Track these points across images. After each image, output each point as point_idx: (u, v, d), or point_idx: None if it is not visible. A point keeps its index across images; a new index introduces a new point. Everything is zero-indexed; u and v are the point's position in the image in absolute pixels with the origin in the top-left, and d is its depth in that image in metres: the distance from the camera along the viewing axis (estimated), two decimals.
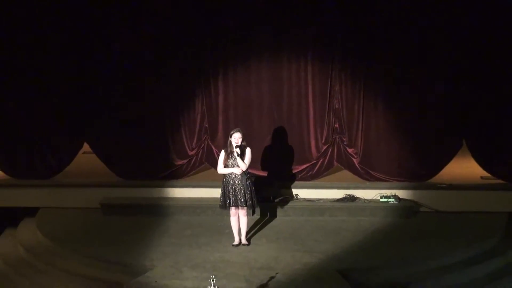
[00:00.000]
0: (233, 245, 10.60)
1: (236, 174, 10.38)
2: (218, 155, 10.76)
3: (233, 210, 10.51)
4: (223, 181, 10.50)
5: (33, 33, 12.43)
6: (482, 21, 11.69)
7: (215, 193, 10.98)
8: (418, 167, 12.27)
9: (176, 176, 12.74)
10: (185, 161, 12.72)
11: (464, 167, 12.50)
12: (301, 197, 12.15)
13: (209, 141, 12.61)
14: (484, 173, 12.28)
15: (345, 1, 11.94)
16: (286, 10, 12.04)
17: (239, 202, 10.41)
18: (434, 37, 11.84)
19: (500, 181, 12.12)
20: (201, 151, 12.70)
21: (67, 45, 12.41)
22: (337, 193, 12.12)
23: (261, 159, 12.22)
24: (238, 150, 10.36)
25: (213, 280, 8.79)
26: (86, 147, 13.13)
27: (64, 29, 12.38)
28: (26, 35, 12.40)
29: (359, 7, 11.92)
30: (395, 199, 11.87)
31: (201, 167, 12.83)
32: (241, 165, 10.37)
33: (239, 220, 10.59)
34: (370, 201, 11.98)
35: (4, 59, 12.56)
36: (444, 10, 11.74)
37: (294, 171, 12.48)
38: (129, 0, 12.27)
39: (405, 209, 11.80)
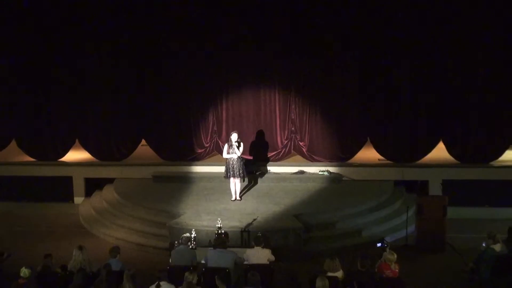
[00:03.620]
0: (231, 200, 10.63)
1: (234, 158, 10.41)
2: (223, 147, 10.78)
3: (232, 179, 10.54)
4: (226, 162, 10.52)
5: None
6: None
7: (221, 169, 10.93)
8: (341, 153, 12.16)
9: (197, 159, 12.58)
10: (202, 150, 12.58)
11: (368, 153, 12.49)
12: (272, 171, 12.08)
13: (217, 138, 12.48)
14: (380, 156, 12.23)
15: (297, 55, 11.86)
16: (263, 61, 12.00)
17: (235, 174, 10.45)
18: (346, 74, 11.81)
19: (389, 161, 12.10)
20: (212, 144, 12.56)
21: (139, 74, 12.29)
22: (293, 169, 12.04)
23: (249, 149, 12.09)
24: (236, 143, 10.42)
25: (219, 221, 8.92)
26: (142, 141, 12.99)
27: (134, 59, 12.20)
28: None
29: (305, 59, 11.87)
30: (328, 172, 11.83)
31: (212, 153, 12.69)
32: (237, 153, 10.40)
33: (235, 185, 10.62)
34: (313, 173, 11.91)
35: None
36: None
37: (268, 156, 12.36)
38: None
39: (334, 178, 11.77)
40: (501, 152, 11.76)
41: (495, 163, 11.75)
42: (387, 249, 7.87)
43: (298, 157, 12.56)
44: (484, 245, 8.30)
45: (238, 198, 10.67)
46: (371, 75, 11.72)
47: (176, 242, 8.60)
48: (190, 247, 8.36)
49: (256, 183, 11.67)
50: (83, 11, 12.05)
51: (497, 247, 8.14)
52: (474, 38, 11.25)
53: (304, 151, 12.33)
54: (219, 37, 11.94)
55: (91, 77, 12.35)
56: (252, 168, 11.83)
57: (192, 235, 8.59)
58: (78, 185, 12.39)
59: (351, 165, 12.12)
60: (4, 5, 12.14)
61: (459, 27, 11.29)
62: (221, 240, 8.23)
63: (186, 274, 6.91)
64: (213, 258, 7.85)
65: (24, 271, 7.27)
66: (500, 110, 11.47)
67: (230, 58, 12.02)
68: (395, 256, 7.62)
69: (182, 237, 8.52)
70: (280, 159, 12.44)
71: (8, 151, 12.93)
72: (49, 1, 12.13)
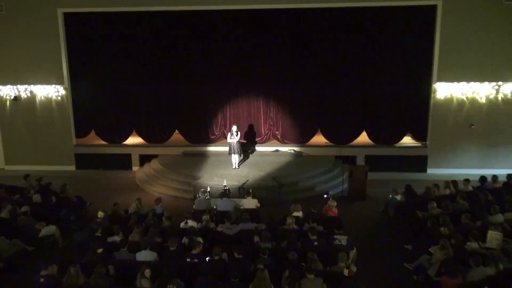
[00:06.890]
0: (232, 168, 10.50)
1: (234, 141, 10.28)
2: (227, 134, 10.63)
3: (232, 155, 10.41)
4: (229, 144, 10.38)
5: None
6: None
7: (225, 149, 10.73)
8: (301, 138, 12.03)
9: (211, 142, 12.33)
10: (214, 136, 12.37)
11: (318, 138, 12.36)
12: (258, 150, 11.93)
13: (223, 129, 12.27)
14: (326, 140, 12.08)
15: (273, 84, 11.69)
16: (252, 85, 11.81)
17: (235, 152, 10.33)
18: (304, 92, 11.60)
19: (332, 143, 11.97)
20: (220, 132, 12.34)
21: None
22: (272, 148, 11.90)
23: (243, 136, 11.88)
24: (235, 132, 10.28)
25: (225, 181, 8.87)
26: (176, 131, 12.68)
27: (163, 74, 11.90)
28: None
29: (279, 86, 11.69)
30: (293, 151, 11.74)
31: (220, 139, 12.38)
32: (236, 138, 10.26)
33: (235, 158, 10.48)
34: (284, 151, 11.80)
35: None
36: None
37: (255, 140, 12.17)
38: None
39: (297, 154, 11.66)
40: (400, 138, 11.84)
41: (397, 144, 11.81)
42: (330, 199, 8.00)
43: (275, 141, 12.43)
44: (390, 196, 8.53)
45: (236, 167, 10.58)
46: (320, 92, 11.63)
47: (197, 194, 8.60)
48: (206, 198, 8.36)
49: (248, 157, 11.56)
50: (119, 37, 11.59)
51: (398, 197, 8.40)
52: (382, 73, 11.23)
53: (279, 137, 12.23)
54: (226, 78, 11.79)
55: (142, 92, 12.08)
56: (245, 148, 11.71)
57: (208, 190, 8.58)
58: (135, 159, 12.21)
59: (308, 145, 12.06)
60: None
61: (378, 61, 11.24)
62: (225, 193, 8.26)
63: (203, 216, 6.93)
64: (221, 205, 7.89)
65: (100, 213, 7.27)
66: (400, 113, 11.55)
67: (232, 83, 11.86)
68: (336, 203, 7.78)
69: (201, 191, 8.51)
70: (263, 142, 12.32)
71: (89, 137, 12.67)
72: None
